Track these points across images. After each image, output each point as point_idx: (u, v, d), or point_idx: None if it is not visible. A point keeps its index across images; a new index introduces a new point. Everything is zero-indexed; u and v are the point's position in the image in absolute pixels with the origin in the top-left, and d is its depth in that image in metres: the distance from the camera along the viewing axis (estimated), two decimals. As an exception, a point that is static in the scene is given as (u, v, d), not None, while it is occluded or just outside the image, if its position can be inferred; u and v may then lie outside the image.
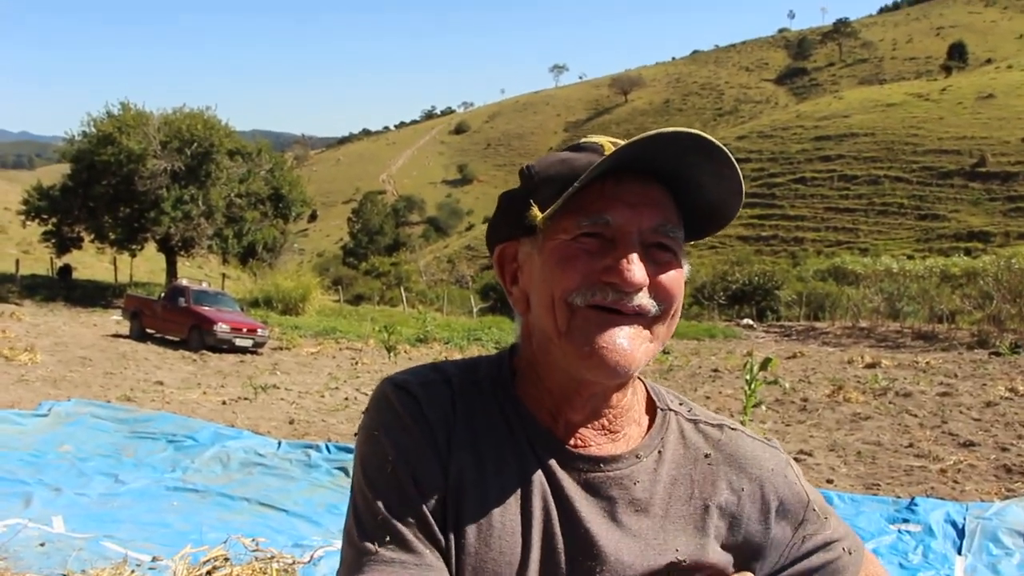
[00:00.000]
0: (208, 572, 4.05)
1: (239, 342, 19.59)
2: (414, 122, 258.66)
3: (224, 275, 40.18)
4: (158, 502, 6.56)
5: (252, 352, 19.79)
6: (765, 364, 10.87)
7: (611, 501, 1.02)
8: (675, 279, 1.00)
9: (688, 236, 1.05)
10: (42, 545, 5.19)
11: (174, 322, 20.63)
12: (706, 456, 1.09)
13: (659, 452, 1.07)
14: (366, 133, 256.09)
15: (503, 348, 1.16)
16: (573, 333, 0.96)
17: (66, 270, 34.73)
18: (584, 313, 0.96)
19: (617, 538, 1.01)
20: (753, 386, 10.62)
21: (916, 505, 6.50)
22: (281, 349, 21.08)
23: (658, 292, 0.98)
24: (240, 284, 39.59)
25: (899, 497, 7.01)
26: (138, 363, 16.13)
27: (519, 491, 1.01)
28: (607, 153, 0.98)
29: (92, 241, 33.63)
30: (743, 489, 1.09)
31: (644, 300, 0.97)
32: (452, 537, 0.98)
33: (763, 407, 11.25)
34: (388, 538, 0.96)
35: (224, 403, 11.85)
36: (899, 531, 6.00)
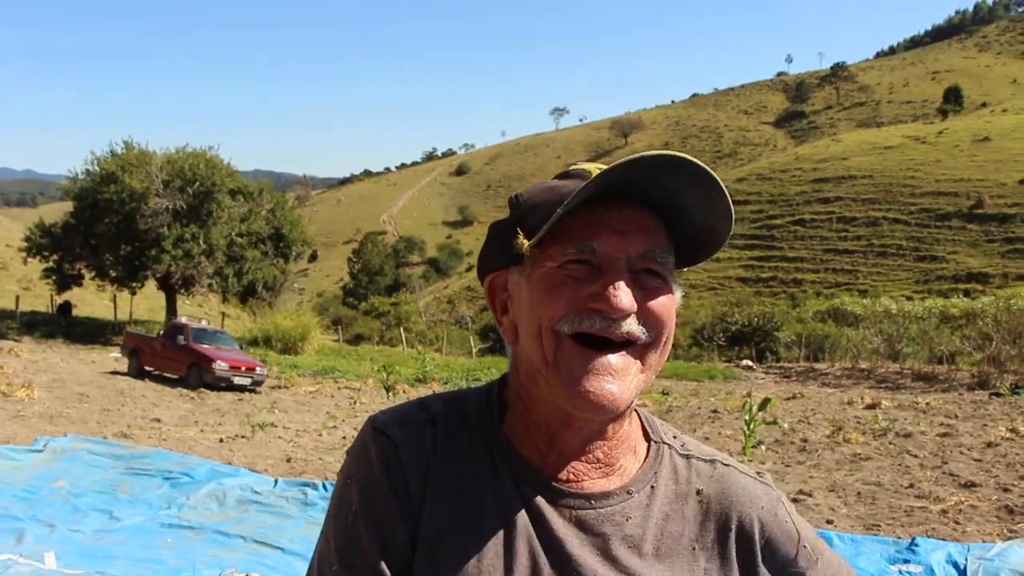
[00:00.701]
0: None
1: (237, 380, 19.53)
2: (415, 163, 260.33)
3: (224, 313, 40.17)
4: (152, 539, 6.50)
5: (250, 390, 19.72)
6: (764, 404, 10.85)
7: (603, 538, 1.00)
8: (665, 305, 0.98)
9: (681, 262, 1.04)
10: (34, 581, 5.14)
11: (173, 360, 20.59)
12: (697, 492, 1.07)
13: (652, 487, 1.05)
14: (367, 174, 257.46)
15: (493, 380, 1.13)
16: (560, 366, 0.94)
17: (66, 307, 34.75)
18: (570, 345, 0.94)
19: (606, 572, 0.99)
20: (752, 426, 10.59)
21: (917, 545, 6.44)
22: (280, 388, 21.01)
23: (648, 318, 0.96)
24: (240, 323, 39.59)
25: (900, 537, 6.95)
26: (136, 400, 16.07)
27: (501, 534, 0.99)
28: (591, 175, 0.98)
29: (93, 278, 33.74)
30: (733, 527, 1.07)
31: (633, 327, 0.95)
32: None
33: (763, 447, 11.21)
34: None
35: (221, 440, 11.79)
36: (900, 571, 5.95)
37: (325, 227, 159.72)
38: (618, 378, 0.94)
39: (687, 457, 1.10)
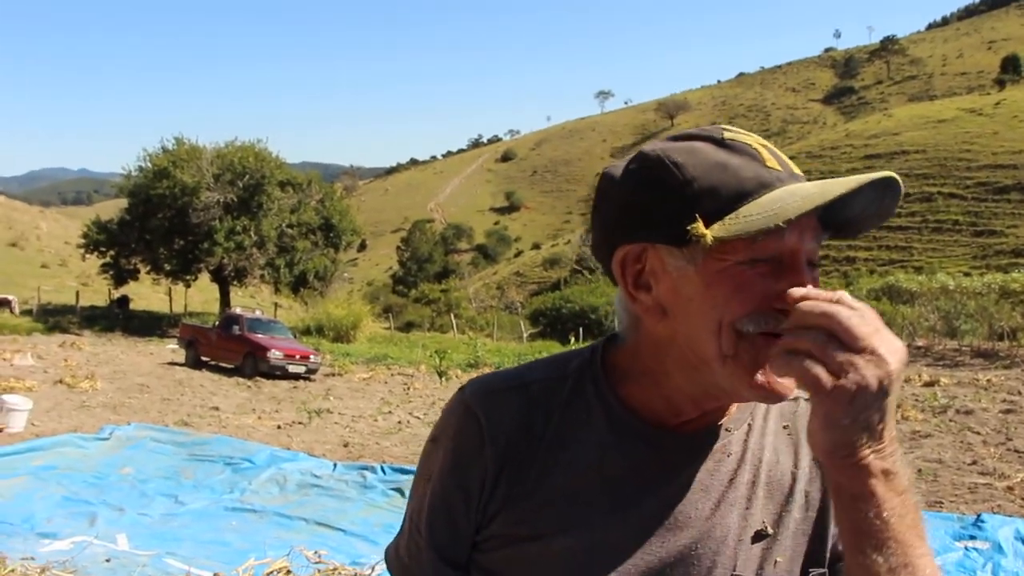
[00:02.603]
0: (270, 584, 4.09)
1: (292, 368, 19.81)
2: (461, 151, 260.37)
3: (276, 304, 40.73)
4: (217, 522, 6.66)
5: (305, 378, 19.99)
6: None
7: (707, 474, 1.01)
8: None
9: None
10: (107, 561, 5.30)
11: (228, 350, 20.95)
12: (784, 427, 1.08)
13: (748, 425, 1.06)
14: (413, 163, 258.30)
15: (595, 343, 1.10)
16: (742, 358, 0.90)
17: (123, 301, 35.49)
18: (756, 341, 0.90)
19: (710, 509, 1.00)
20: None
21: (983, 522, 6.33)
22: (333, 375, 21.27)
23: None
24: (292, 312, 40.11)
25: (964, 514, 6.84)
26: (194, 390, 16.40)
27: (605, 486, 1.00)
28: (764, 160, 0.93)
29: (148, 272, 34.37)
30: (813, 463, 1.06)
31: None
32: (519, 543, 1.00)
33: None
34: (411, 536, 1.08)
35: (279, 427, 11.99)
36: (966, 548, 5.85)
37: (373, 216, 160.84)
38: None
39: None
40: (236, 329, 21.14)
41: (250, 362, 20.07)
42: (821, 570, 1.03)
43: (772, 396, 0.92)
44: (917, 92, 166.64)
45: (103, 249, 33.72)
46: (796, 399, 1.11)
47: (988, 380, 17.03)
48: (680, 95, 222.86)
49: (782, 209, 0.86)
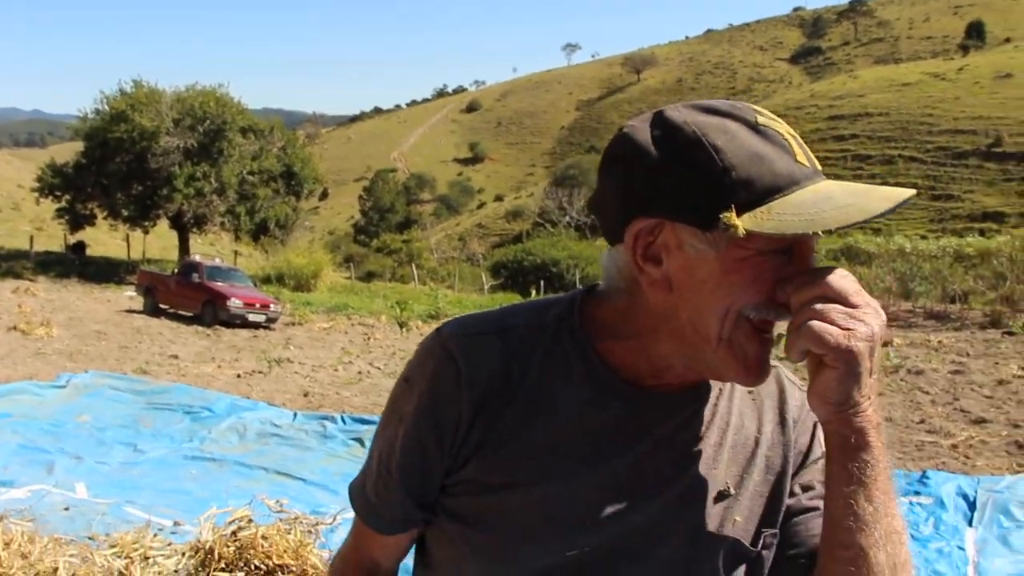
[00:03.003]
0: (233, 532, 4.12)
1: (252, 317, 19.71)
2: (425, 100, 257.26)
3: (236, 252, 40.32)
4: (177, 470, 6.67)
5: (265, 327, 19.91)
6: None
7: (678, 434, 1.04)
8: None
9: None
10: (66, 509, 5.30)
11: (187, 297, 20.76)
12: (750, 393, 1.11)
13: (719, 389, 1.08)
14: (377, 111, 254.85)
15: (572, 292, 1.11)
16: (734, 344, 0.94)
17: (79, 247, 34.89)
18: (747, 328, 0.94)
19: (680, 468, 1.03)
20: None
21: (928, 478, 6.53)
22: (294, 324, 21.19)
23: None
24: (252, 261, 39.74)
25: (910, 471, 7.05)
26: (152, 337, 16.26)
27: (580, 440, 1.01)
28: (795, 153, 0.93)
29: (105, 218, 33.78)
30: (780, 426, 1.10)
31: None
32: (493, 489, 1.01)
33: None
34: (380, 475, 1.08)
35: (239, 376, 11.97)
36: (911, 503, 6.04)
37: (336, 165, 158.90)
38: (766, 360, 0.97)
39: None
40: (195, 277, 20.93)
41: (209, 310, 19.92)
42: (773, 530, 1.07)
43: (751, 383, 0.98)
44: (883, 55, 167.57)
45: (58, 193, 33.03)
46: None
47: (939, 341, 17.44)
48: (648, 50, 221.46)
49: (819, 217, 0.88)
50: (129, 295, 24.81)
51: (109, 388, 9.57)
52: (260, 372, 12.44)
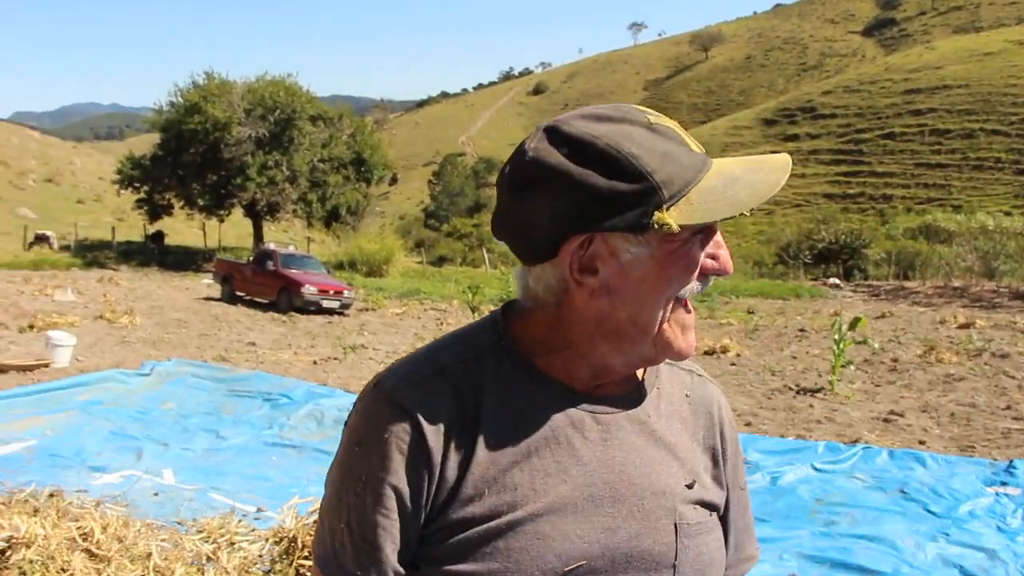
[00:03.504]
0: (315, 521, 4.21)
1: (326, 304, 20.02)
2: (492, 83, 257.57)
3: (309, 239, 41.00)
4: (258, 457, 6.84)
5: (339, 313, 20.22)
6: (854, 324, 10.68)
7: (637, 435, 1.07)
8: None
9: None
10: (155, 495, 5.48)
11: (263, 285, 21.19)
12: (686, 396, 1.16)
13: (658, 389, 1.13)
14: (444, 95, 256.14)
15: (488, 317, 1.11)
16: (668, 328, 1.01)
17: (158, 236, 35.91)
18: (676, 306, 1.01)
19: (648, 468, 1.06)
20: (842, 346, 10.45)
21: (1015, 468, 6.35)
22: (367, 310, 21.47)
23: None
24: (324, 247, 40.37)
25: (996, 460, 6.85)
26: (230, 325, 16.65)
27: (550, 454, 1.02)
28: (690, 144, 0.99)
29: (182, 208, 34.73)
30: (713, 427, 1.17)
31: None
32: (473, 529, 0.98)
33: (852, 367, 11.06)
34: (357, 547, 0.99)
35: (315, 363, 12.18)
36: (997, 494, 5.88)
37: (404, 150, 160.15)
38: (693, 330, 1.05)
39: (670, 364, 1.18)
40: (270, 264, 21.34)
41: (285, 297, 20.31)
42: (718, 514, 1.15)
43: (683, 356, 1.04)
44: (963, 23, 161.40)
45: (137, 184, 34.06)
46: (690, 371, 1.21)
47: (1025, 322, 16.87)
48: (715, 27, 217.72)
49: (737, 198, 0.96)
50: (207, 283, 25.44)
51: (191, 376, 9.85)
52: (335, 359, 12.64)
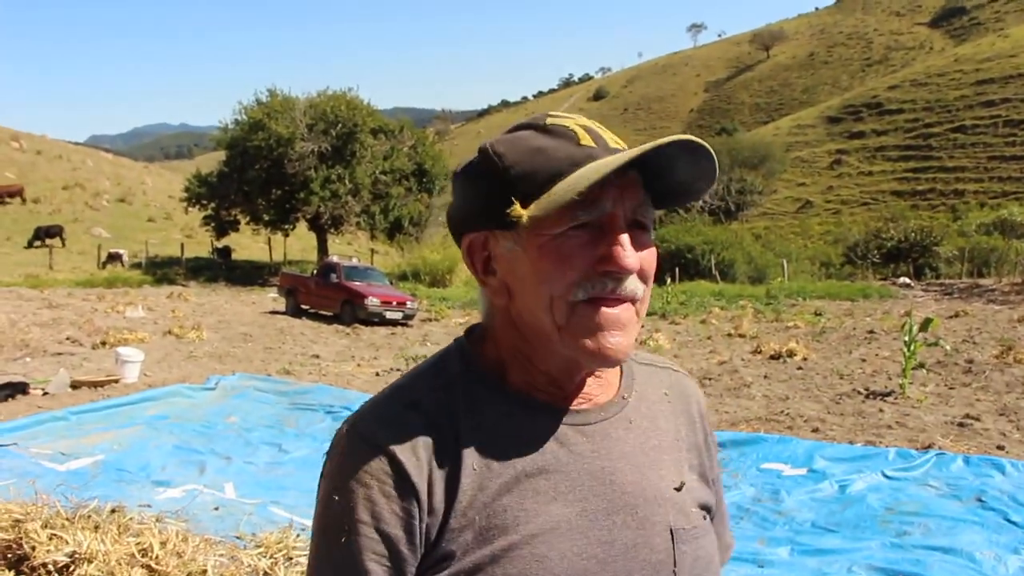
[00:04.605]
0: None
1: (389, 315, 20.19)
2: (552, 91, 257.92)
3: (372, 250, 41.44)
4: (319, 471, 6.87)
5: (402, 324, 20.36)
6: (926, 325, 10.32)
7: (622, 443, 1.06)
8: (654, 257, 1.04)
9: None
10: (216, 509, 5.54)
11: (327, 298, 21.46)
12: (665, 395, 1.17)
13: (636, 392, 1.13)
14: (505, 104, 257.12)
15: (454, 344, 1.11)
16: (572, 328, 0.97)
17: (225, 251, 36.66)
18: (584, 309, 0.97)
19: (637, 474, 1.05)
20: (913, 347, 10.12)
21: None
22: (430, 321, 21.60)
23: (642, 273, 1.01)
24: (388, 259, 40.78)
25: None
26: (295, 338, 16.89)
27: (539, 470, 1.01)
28: (582, 141, 0.98)
29: (247, 223, 35.40)
30: (693, 423, 1.18)
31: (634, 284, 0.99)
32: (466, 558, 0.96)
33: (924, 369, 10.71)
34: None
35: (377, 374, 12.27)
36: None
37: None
38: (625, 331, 0.99)
39: (646, 365, 1.20)
40: (334, 277, 21.61)
41: (348, 309, 20.53)
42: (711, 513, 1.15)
43: (606, 360, 0.99)
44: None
45: (204, 201, 34.83)
46: (665, 368, 1.22)
47: (1109, 318, 16.19)
48: (776, 25, 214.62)
49: (578, 182, 0.93)
50: (272, 296, 25.89)
51: (254, 390, 10.00)
52: (398, 370, 12.71)
